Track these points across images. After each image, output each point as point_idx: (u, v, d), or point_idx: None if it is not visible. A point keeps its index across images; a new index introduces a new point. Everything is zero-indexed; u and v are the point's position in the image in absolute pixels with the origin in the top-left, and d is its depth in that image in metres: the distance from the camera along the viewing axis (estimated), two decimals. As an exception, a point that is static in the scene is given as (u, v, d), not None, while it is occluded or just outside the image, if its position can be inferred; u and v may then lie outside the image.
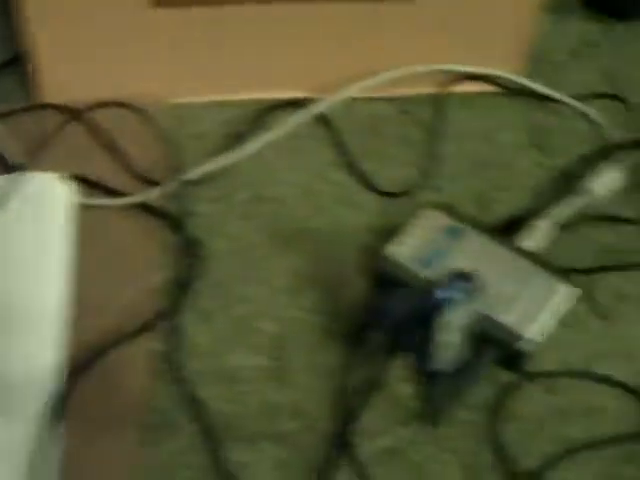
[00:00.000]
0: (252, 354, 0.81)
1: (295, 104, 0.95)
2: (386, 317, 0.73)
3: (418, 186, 0.90)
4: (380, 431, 0.77)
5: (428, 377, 0.73)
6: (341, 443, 0.76)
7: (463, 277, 0.67)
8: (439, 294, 0.67)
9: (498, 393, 0.79)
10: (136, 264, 0.85)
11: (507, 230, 0.85)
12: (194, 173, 0.90)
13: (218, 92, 0.96)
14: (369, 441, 0.77)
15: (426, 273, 0.81)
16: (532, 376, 0.80)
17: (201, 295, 0.84)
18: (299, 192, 0.90)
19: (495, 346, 0.79)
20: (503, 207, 0.88)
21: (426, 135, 0.94)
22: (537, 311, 0.79)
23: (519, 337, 0.78)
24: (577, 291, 0.81)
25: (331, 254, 0.86)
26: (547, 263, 0.82)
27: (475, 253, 0.82)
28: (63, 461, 0.74)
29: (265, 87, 0.95)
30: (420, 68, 0.94)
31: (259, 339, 0.82)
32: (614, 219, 0.89)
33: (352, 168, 0.92)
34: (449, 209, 0.85)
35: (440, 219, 0.84)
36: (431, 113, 0.95)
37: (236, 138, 0.93)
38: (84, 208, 0.87)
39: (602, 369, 0.80)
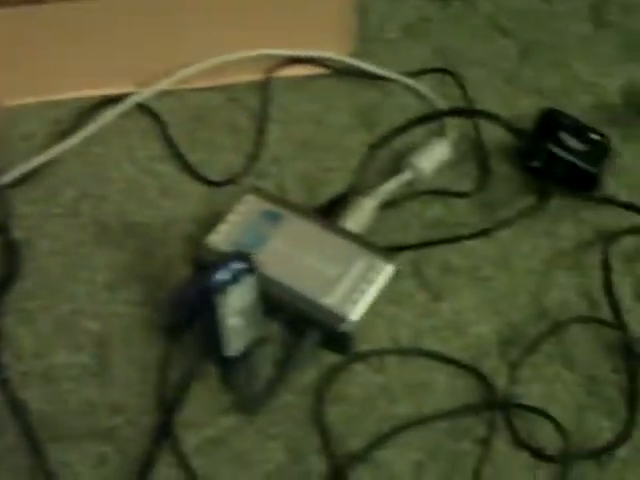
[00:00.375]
0: (74, 353, 0.79)
1: (120, 100, 0.93)
2: (179, 304, 0.72)
3: (245, 173, 0.89)
4: (203, 422, 0.76)
5: (222, 363, 0.72)
6: (163, 436, 0.75)
7: (239, 258, 0.66)
8: (213, 277, 0.65)
9: (323, 375, 0.78)
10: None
11: (330, 211, 0.84)
12: (16, 173, 0.88)
13: (45, 92, 0.94)
14: (192, 432, 0.75)
15: (246, 260, 0.80)
16: (359, 356, 0.79)
17: (23, 296, 0.82)
18: (124, 187, 0.88)
19: (319, 329, 0.78)
20: (330, 189, 0.87)
21: (253, 121, 0.93)
22: (360, 291, 0.78)
23: (341, 319, 0.77)
24: (400, 268, 0.80)
25: (156, 247, 0.84)
26: (369, 243, 0.81)
27: (295, 236, 0.81)
28: None
29: (92, 85, 0.93)
30: (244, 54, 0.92)
31: (81, 337, 0.80)
32: (441, 193, 0.88)
33: (178, 159, 0.90)
34: (267, 194, 0.84)
35: (258, 204, 0.83)
36: (259, 99, 0.94)
37: (62, 136, 0.91)
38: None
39: (431, 345, 0.80)
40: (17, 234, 0.85)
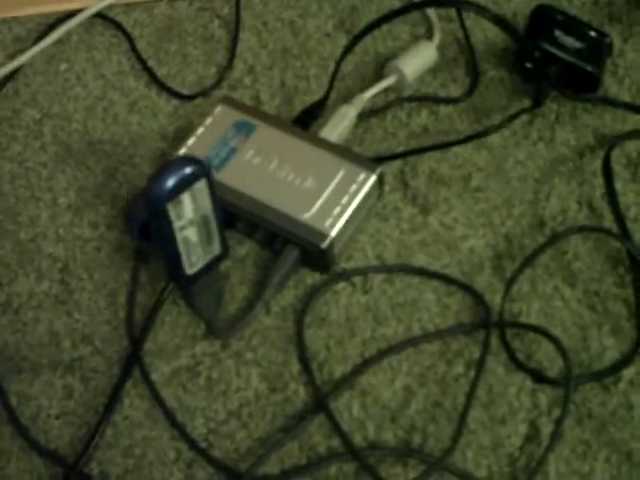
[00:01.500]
0: (37, 280, 0.74)
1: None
2: (130, 220, 0.66)
3: (217, 85, 0.83)
4: (174, 350, 0.71)
5: (183, 283, 0.66)
6: (131, 365, 0.70)
7: (187, 162, 0.60)
8: (160, 184, 0.59)
9: (304, 296, 0.73)
10: None
11: (308, 121, 0.78)
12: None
13: (3, 9, 0.88)
14: (162, 361, 0.70)
15: (215, 176, 0.74)
16: (341, 275, 0.73)
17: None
18: (89, 104, 0.82)
19: (297, 246, 0.72)
20: (309, 98, 0.81)
21: (226, 31, 0.86)
22: (341, 205, 0.72)
23: (321, 235, 0.71)
24: (380, 178, 0.74)
25: (123, 167, 0.79)
26: (351, 152, 0.76)
27: (269, 149, 0.75)
28: None
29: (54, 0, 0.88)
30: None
31: (44, 263, 0.75)
32: (428, 99, 0.81)
33: (146, 73, 0.84)
34: (239, 104, 0.78)
35: (230, 115, 0.77)
36: (231, 7, 0.87)
37: (22, 54, 0.85)
38: None
39: (420, 261, 0.74)
40: (-25, 159, 0.81)
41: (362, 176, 0.74)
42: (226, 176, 0.74)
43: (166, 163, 0.59)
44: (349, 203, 0.73)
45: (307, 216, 0.72)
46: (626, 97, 0.81)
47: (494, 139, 0.79)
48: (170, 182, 0.57)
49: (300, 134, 0.76)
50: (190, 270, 0.63)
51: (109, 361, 0.70)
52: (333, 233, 0.72)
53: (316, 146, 0.75)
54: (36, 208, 0.77)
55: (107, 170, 0.78)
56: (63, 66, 0.85)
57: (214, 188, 0.61)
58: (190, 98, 0.82)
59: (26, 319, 0.73)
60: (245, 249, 0.75)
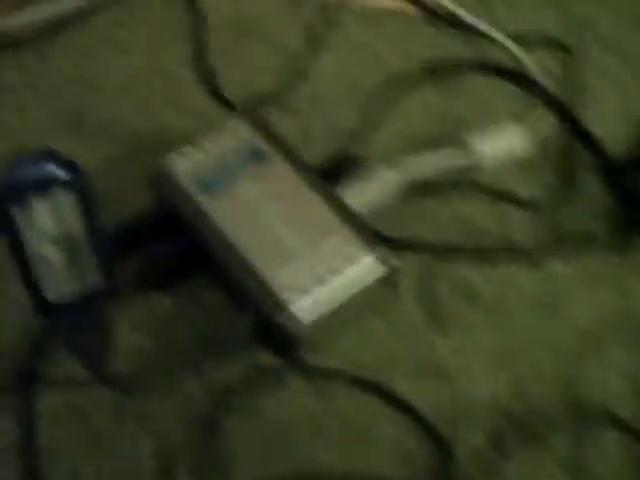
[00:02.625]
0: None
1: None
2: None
3: (269, 102, 0.70)
4: (78, 382, 0.59)
5: (43, 310, 0.51)
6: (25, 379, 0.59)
7: (57, 160, 0.46)
8: (5, 176, 0.46)
9: (242, 376, 0.59)
10: None
11: (338, 172, 0.64)
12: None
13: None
14: (58, 390, 0.59)
15: (200, 197, 0.61)
16: (299, 367, 0.59)
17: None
18: (126, 82, 0.71)
19: (254, 310, 0.59)
20: (365, 149, 0.67)
21: (308, 46, 0.74)
22: (317, 279, 0.58)
23: (280, 306, 0.57)
24: (393, 267, 0.59)
25: (125, 157, 0.67)
26: (360, 222, 0.60)
27: (271, 186, 0.61)
28: None
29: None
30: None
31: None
32: (496, 193, 0.66)
33: (202, 69, 0.72)
34: (262, 125, 0.64)
35: (245, 134, 0.64)
36: (323, 21, 0.74)
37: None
38: None
39: (404, 388, 0.58)
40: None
41: (356, 252, 0.59)
42: (211, 204, 0.61)
43: (29, 155, 0.46)
44: (328, 280, 0.58)
45: (273, 279, 0.58)
46: None
47: (556, 266, 0.63)
48: (16, 178, 0.44)
49: (315, 182, 0.62)
50: (53, 296, 0.50)
51: (3, 371, 0.59)
52: (293, 307, 0.57)
53: (325, 201, 0.61)
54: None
55: (108, 157, 0.67)
56: (121, 32, 0.74)
57: (92, 207, 0.47)
58: (235, 107, 0.70)
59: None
60: (211, 299, 0.61)
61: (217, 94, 0.70)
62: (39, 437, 0.57)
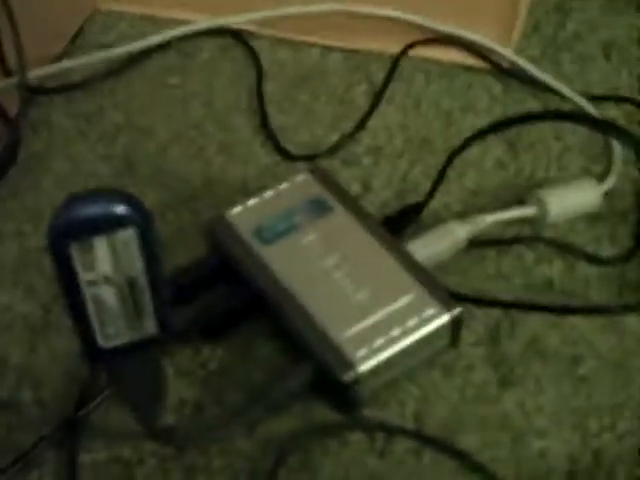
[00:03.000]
0: (23, 297, 0.61)
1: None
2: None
3: (329, 154, 0.67)
4: (122, 435, 0.55)
5: (92, 357, 0.47)
6: (63, 436, 0.55)
7: (120, 198, 0.43)
8: (65, 213, 0.42)
9: (302, 433, 0.55)
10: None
11: (398, 223, 0.61)
12: (64, 76, 0.73)
13: (144, 5, 0.78)
14: (102, 444, 0.54)
15: (259, 247, 0.59)
16: (362, 425, 0.55)
17: (5, 215, 0.65)
18: (179, 128, 0.69)
19: (314, 366, 0.55)
20: (431, 201, 0.64)
21: (368, 99, 0.71)
22: (389, 339, 0.54)
23: (347, 364, 0.53)
24: (456, 321, 0.55)
25: (179, 206, 0.65)
26: (429, 279, 0.57)
27: (336, 240, 0.58)
28: None
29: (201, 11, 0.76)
30: (378, 12, 0.71)
31: (40, 281, 0.61)
32: (567, 248, 0.62)
33: (259, 117, 0.70)
34: (328, 180, 0.62)
35: (310, 188, 0.61)
36: (384, 74, 0.72)
37: (140, 54, 0.74)
38: None
39: (469, 444, 0.54)
40: (37, 145, 0.69)
41: (431, 311, 0.55)
42: (270, 254, 0.58)
43: (89, 192, 0.43)
44: (399, 339, 0.55)
45: (340, 335, 0.55)
46: None
47: (632, 322, 0.59)
48: (80, 214, 0.42)
49: (380, 236, 0.59)
50: (105, 343, 0.46)
51: (46, 418, 0.55)
52: (362, 368, 0.54)
53: (391, 256, 0.58)
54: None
55: (162, 204, 0.65)
56: (174, 80, 0.73)
57: (155, 250, 0.44)
58: (293, 158, 0.68)
59: (-13, 334, 0.60)
60: (264, 351, 0.58)
61: (274, 144, 0.68)
62: (81, 491, 0.54)
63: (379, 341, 0.55)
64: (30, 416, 0.56)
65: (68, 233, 0.42)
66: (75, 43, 0.75)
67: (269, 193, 0.61)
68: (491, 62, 0.72)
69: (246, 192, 0.64)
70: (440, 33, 0.73)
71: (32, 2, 0.70)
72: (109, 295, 0.44)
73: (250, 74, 0.73)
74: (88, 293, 0.44)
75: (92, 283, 0.43)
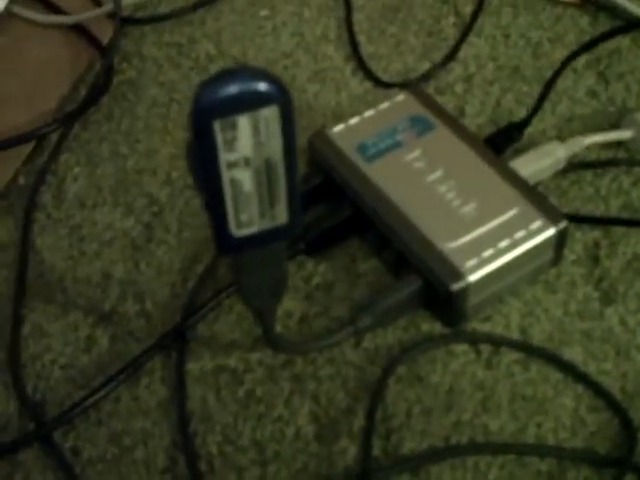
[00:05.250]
0: (123, 215, 0.61)
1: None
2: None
3: (422, 81, 0.68)
4: (228, 346, 0.55)
5: (223, 249, 0.46)
6: (171, 343, 0.56)
7: (260, 77, 0.43)
8: (209, 91, 0.40)
9: (408, 343, 0.55)
10: (44, 85, 0.68)
11: (500, 142, 0.62)
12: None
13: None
14: (208, 354, 0.55)
15: (362, 163, 0.59)
16: (468, 336, 0.55)
17: (101, 138, 0.66)
18: (271, 58, 0.69)
19: (422, 278, 0.56)
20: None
21: (457, 30, 0.71)
22: (497, 250, 0.55)
23: (456, 275, 0.54)
24: (561, 235, 0.56)
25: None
26: (535, 193, 0.57)
27: (440, 156, 0.59)
28: None
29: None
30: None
31: (139, 201, 0.62)
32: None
33: (349, 47, 0.70)
34: (428, 100, 0.62)
35: (411, 107, 0.61)
36: (472, 8, 0.72)
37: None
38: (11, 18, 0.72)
39: (573, 355, 0.55)
40: (130, 73, 0.69)
41: (538, 224, 0.56)
42: (375, 170, 0.58)
43: (230, 70, 0.43)
44: (507, 250, 0.55)
45: (448, 246, 0.55)
46: None
47: None
48: (224, 91, 0.41)
49: (482, 152, 0.59)
50: (237, 231, 0.47)
51: (150, 330, 0.56)
52: (472, 278, 0.54)
53: (496, 171, 0.58)
54: (161, 141, 0.65)
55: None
56: (264, 12, 0.73)
57: (293, 128, 0.43)
58: (386, 85, 0.68)
59: (87, 250, 0.60)
60: (367, 266, 0.58)
61: (365, 72, 0.68)
62: (189, 399, 0.54)
63: (488, 252, 0.55)
64: (135, 327, 0.57)
65: (212, 111, 0.42)
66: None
67: (369, 112, 0.62)
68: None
69: (341, 118, 0.64)
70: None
71: None
72: (247, 179, 0.44)
73: (337, 5, 0.73)
74: (226, 176, 0.44)
75: (232, 165, 0.43)
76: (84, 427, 0.53)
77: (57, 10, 0.72)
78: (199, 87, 0.42)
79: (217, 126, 0.42)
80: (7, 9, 0.71)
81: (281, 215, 0.46)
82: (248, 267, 0.47)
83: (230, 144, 0.43)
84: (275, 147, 0.44)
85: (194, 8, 0.73)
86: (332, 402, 0.53)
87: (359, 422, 0.53)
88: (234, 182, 0.44)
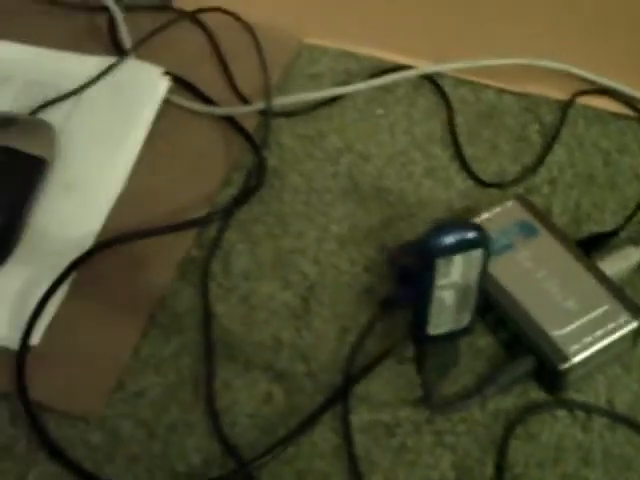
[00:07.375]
0: (282, 288, 0.76)
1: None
2: (394, 262, 0.66)
3: (515, 183, 0.83)
4: (381, 403, 0.70)
5: (419, 341, 0.65)
6: (337, 398, 0.70)
7: (468, 226, 0.59)
8: (437, 238, 0.58)
9: (522, 407, 0.71)
10: (203, 169, 0.82)
11: (590, 246, 0.77)
12: (291, 102, 0.87)
13: (343, 41, 0.93)
14: (365, 409, 0.70)
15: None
16: (567, 403, 0.71)
17: (255, 219, 0.80)
18: (391, 154, 0.85)
19: (534, 357, 0.71)
20: (597, 228, 0.80)
21: (542, 138, 0.87)
22: (593, 337, 0.70)
23: (563, 357, 0.69)
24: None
25: (400, 221, 0.80)
26: (621, 292, 0.73)
27: (544, 258, 0.74)
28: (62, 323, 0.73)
29: (389, 48, 0.92)
30: (549, 65, 0.88)
31: (295, 276, 0.77)
32: None
33: (453, 148, 0.85)
34: (532, 207, 0.77)
35: (519, 213, 0.77)
36: (554, 118, 0.88)
37: (347, 85, 0.89)
38: (170, 105, 0.86)
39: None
40: (272, 161, 0.84)
41: (624, 318, 0.72)
42: (493, 266, 0.74)
43: (451, 221, 0.60)
44: (602, 338, 0.71)
45: (557, 334, 0.71)
46: None
47: None
48: (448, 239, 0.58)
49: (578, 255, 0.75)
50: (432, 331, 0.63)
51: (317, 386, 0.71)
52: (576, 359, 0.70)
53: (590, 273, 0.74)
54: (307, 225, 0.80)
55: (385, 218, 0.80)
56: (380, 111, 0.88)
57: (487, 263, 0.61)
58: (486, 185, 0.83)
59: (258, 318, 0.74)
60: (485, 342, 0.74)
61: (469, 171, 0.84)
62: (355, 446, 0.69)
63: (587, 339, 0.71)
64: (304, 384, 0.71)
65: (437, 253, 0.58)
66: (288, 73, 0.90)
67: (486, 215, 0.77)
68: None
69: (451, 212, 0.80)
70: (599, 85, 0.89)
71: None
72: (450, 297, 0.61)
73: (439, 108, 0.88)
74: (436, 294, 0.60)
75: (442, 287, 0.60)
76: (274, 465, 0.68)
77: (207, 100, 0.86)
78: (426, 235, 0.57)
79: (439, 262, 0.58)
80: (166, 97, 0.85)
81: (465, 319, 0.62)
82: (433, 355, 0.63)
83: (445, 274, 0.59)
84: (475, 274, 0.60)
85: (321, 104, 0.87)
86: (467, 453, 0.69)
87: (489, 470, 0.68)
88: (440, 299, 0.60)
